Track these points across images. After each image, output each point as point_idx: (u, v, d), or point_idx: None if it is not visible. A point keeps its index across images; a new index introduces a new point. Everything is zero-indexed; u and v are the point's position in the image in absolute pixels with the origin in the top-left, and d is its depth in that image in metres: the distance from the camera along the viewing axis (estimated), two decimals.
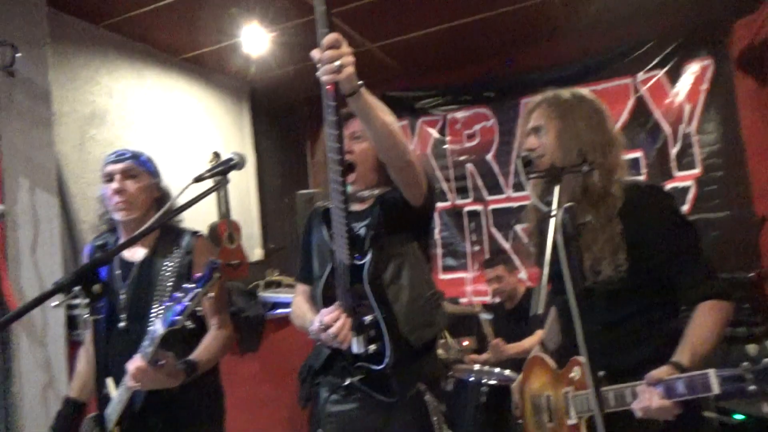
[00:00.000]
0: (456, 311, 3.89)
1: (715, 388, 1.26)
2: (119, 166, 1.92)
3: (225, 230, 4.07)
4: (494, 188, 4.60)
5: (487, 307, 3.87)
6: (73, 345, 2.59)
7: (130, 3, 3.26)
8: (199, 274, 1.57)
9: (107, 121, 3.53)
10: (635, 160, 4.03)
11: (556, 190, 1.39)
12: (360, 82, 1.39)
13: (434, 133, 4.82)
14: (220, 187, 1.45)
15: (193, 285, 1.54)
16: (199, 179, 1.43)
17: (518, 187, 4.48)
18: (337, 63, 1.30)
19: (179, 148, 4.01)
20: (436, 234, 4.74)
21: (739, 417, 2.79)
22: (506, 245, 4.51)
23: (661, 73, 4.02)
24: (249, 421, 2.72)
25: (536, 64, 4.35)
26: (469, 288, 4.63)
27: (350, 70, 1.33)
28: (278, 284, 3.98)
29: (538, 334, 2.83)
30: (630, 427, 1.39)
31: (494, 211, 4.60)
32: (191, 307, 1.52)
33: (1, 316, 2.39)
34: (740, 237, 3.71)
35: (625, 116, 4.10)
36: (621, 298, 1.53)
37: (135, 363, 1.65)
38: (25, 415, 2.46)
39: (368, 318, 1.63)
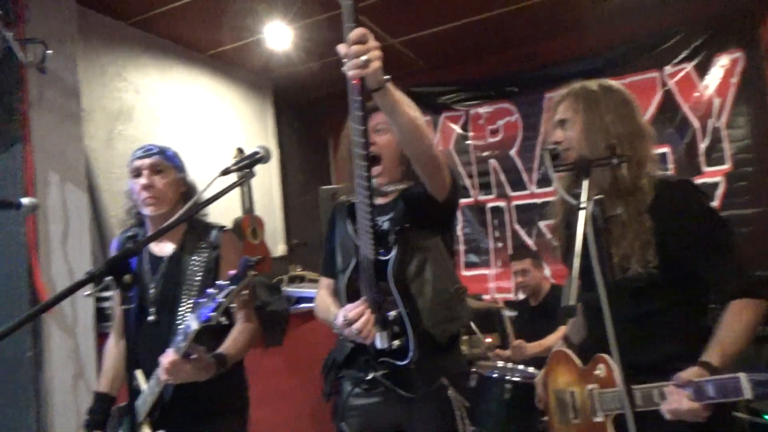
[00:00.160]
0: (479, 307, 3.87)
1: (747, 393, 1.23)
2: (147, 161, 1.94)
3: (248, 225, 4.10)
4: (518, 184, 4.56)
5: (511, 303, 3.85)
6: (102, 336, 2.64)
7: (157, 0, 3.31)
8: (233, 272, 1.58)
9: (134, 117, 3.59)
10: (662, 156, 3.96)
11: (585, 183, 1.37)
12: (386, 77, 1.39)
13: (457, 128, 4.80)
14: (246, 180, 1.46)
15: (228, 282, 1.56)
16: (225, 172, 1.44)
17: (542, 182, 4.44)
18: (364, 58, 1.30)
19: (203, 144, 4.06)
20: (459, 230, 4.73)
21: None
22: (530, 241, 4.47)
23: (689, 66, 3.94)
24: (272, 414, 2.74)
25: (560, 57, 4.30)
26: (492, 285, 4.61)
27: (377, 65, 1.32)
28: (302, 279, 4.01)
29: (559, 332, 2.81)
30: (657, 426, 1.37)
31: (518, 207, 4.57)
32: (225, 303, 1.54)
33: (33, 307, 2.45)
34: None
35: (652, 110, 4.03)
36: (648, 295, 1.50)
37: (168, 357, 1.67)
38: (55, 404, 2.52)
39: (392, 313, 1.63)
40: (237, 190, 4.04)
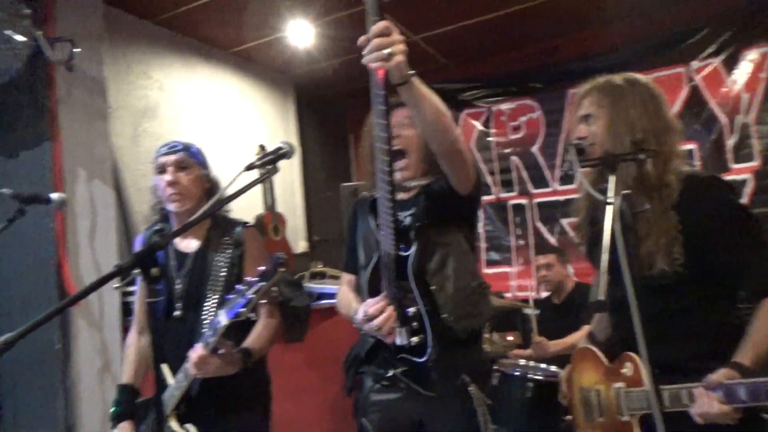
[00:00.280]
0: (501, 305, 3.84)
1: None
2: (171, 157, 1.96)
3: (270, 222, 4.13)
4: (540, 181, 4.52)
5: (534, 301, 3.81)
6: (127, 330, 2.68)
7: None
8: (262, 268, 1.59)
9: (159, 114, 3.64)
10: (689, 153, 3.88)
11: (612, 178, 1.35)
12: (411, 72, 1.38)
13: (478, 125, 4.77)
14: (270, 175, 1.47)
15: (258, 279, 1.57)
16: (250, 167, 1.45)
17: (565, 180, 4.39)
18: (387, 51, 1.29)
19: (226, 141, 4.10)
20: (480, 228, 4.69)
21: None
22: (552, 239, 4.43)
23: (717, 61, 3.86)
24: (294, 409, 2.77)
25: (583, 53, 4.24)
26: (513, 283, 4.57)
27: (400, 58, 1.32)
28: (323, 275, 4.03)
29: (583, 331, 2.78)
30: (685, 427, 1.35)
31: (540, 204, 4.53)
32: (255, 300, 1.56)
33: (61, 301, 2.50)
34: None
35: (677, 106, 3.95)
36: (674, 292, 1.48)
37: (197, 351, 1.70)
38: (82, 397, 2.57)
39: (411, 310, 1.63)
40: (259, 187, 4.08)
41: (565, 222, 4.35)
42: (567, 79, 4.22)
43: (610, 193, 1.32)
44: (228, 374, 1.75)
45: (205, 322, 1.82)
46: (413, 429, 1.73)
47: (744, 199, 3.69)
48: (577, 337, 2.93)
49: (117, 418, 1.88)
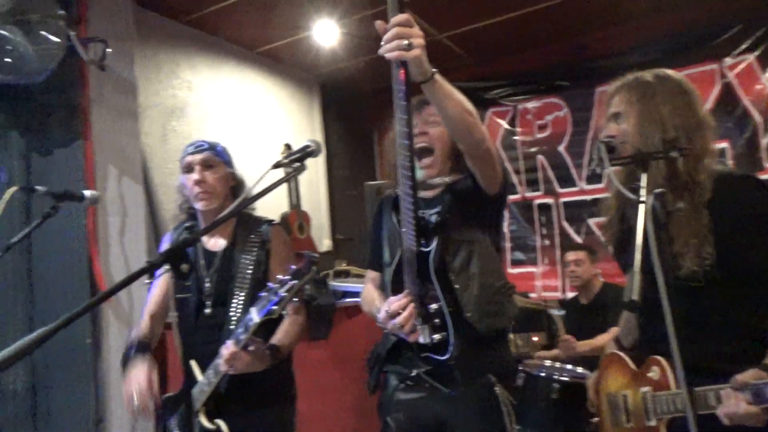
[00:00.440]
0: (526, 306, 3.81)
1: None
2: (198, 156, 1.98)
3: (295, 220, 4.16)
4: (566, 181, 4.46)
5: (560, 302, 3.77)
6: None
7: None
8: (294, 267, 1.61)
9: (187, 113, 3.70)
10: (721, 151, 3.79)
11: (644, 176, 1.32)
12: (433, 69, 1.38)
13: (504, 124, 4.73)
14: (298, 173, 1.47)
15: (290, 277, 1.59)
16: (278, 165, 1.46)
17: (592, 179, 4.32)
18: (406, 42, 1.29)
19: (252, 140, 4.14)
20: (505, 228, 4.66)
21: None
22: (578, 239, 4.37)
23: (751, 58, 3.77)
24: (318, 406, 2.78)
25: (611, 49, 4.16)
26: (539, 283, 4.52)
27: (418, 51, 1.31)
28: (347, 274, 4.04)
29: (612, 332, 2.73)
30: (710, 428, 1.32)
31: (566, 204, 4.47)
32: (288, 298, 1.58)
33: (92, 296, 2.56)
34: None
35: (709, 104, 3.86)
36: (703, 293, 1.44)
37: (228, 348, 1.72)
38: (112, 389, 2.62)
39: (433, 307, 1.62)
40: (284, 186, 4.11)
41: (592, 222, 4.29)
42: (594, 77, 4.16)
43: (643, 191, 1.29)
44: (257, 370, 1.77)
45: (233, 319, 1.84)
46: (438, 428, 1.72)
47: None
48: (606, 339, 2.88)
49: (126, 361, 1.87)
